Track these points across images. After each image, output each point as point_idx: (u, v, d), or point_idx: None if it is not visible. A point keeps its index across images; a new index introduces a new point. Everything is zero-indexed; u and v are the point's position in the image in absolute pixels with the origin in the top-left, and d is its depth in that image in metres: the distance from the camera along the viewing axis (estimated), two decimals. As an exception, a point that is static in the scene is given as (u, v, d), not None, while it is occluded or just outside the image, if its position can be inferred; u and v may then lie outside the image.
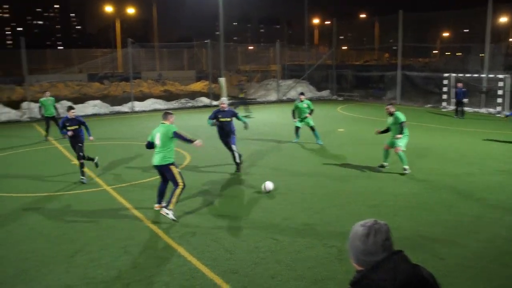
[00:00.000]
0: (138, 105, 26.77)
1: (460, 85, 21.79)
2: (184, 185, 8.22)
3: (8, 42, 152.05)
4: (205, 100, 29.27)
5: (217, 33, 35.58)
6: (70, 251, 6.97)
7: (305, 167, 12.17)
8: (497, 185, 10.23)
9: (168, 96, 31.99)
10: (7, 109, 23.33)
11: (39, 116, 23.22)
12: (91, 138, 11.60)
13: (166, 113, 8.68)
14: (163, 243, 7.24)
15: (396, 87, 28.93)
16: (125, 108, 26.39)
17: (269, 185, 9.68)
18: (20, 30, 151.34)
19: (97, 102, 26.48)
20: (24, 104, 24.11)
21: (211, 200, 9.53)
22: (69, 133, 11.13)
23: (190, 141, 8.40)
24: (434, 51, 48.70)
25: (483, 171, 11.51)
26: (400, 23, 27.79)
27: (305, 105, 15.33)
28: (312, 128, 15.30)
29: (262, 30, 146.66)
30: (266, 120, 21.85)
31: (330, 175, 11.32)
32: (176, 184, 8.16)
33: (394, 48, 34.47)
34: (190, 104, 28.64)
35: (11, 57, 41.91)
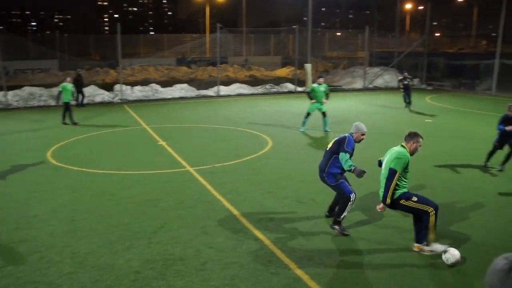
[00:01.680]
0: (224, 90, 27.23)
1: None
2: (435, 210, 6.17)
3: (106, 28, 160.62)
4: (290, 86, 29.20)
5: (305, 18, 35.23)
6: (152, 228, 7.23)
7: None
8: None
9: (253, 81, 32.28)
10: (102, 91, 24.66)
11: (130, 98, 24.41)
12: None
13: (414, 135, 6.32)
14: (240, 225, 7.30)
15: (491, 77, 27.14)
16: (210, 92, 26.93)
17: (453, 254, 5.92)
18: (117, 16, 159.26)
19: (184, 85, 27.27)
20: (117, 87, 25.36)
21: (289, 186, 9.48)
22: None
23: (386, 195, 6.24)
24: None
25: None
26: (504, 6, 25.81)
27: (322, 89, 15.09)
28: (324, 114, 15.17)
29: (351, 16, 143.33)
30: (351, 108, 21.39)
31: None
32: (426, 214, 6.15)
33: (493, 34, 32.34)
34: (274, 90, 28.69)
35: (107, 42, 44.30)
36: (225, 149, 12.78)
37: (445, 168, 10.83)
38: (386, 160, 6.35)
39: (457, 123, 17.01)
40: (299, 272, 5.79)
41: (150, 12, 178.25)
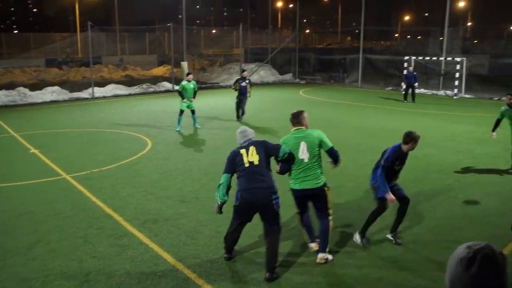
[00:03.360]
0: (98, 91, 26.20)
1: (411, 69, 22.10)
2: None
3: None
4: (167, 85, 28.91)
5: (180, 16, 35.07)
6: (28, 243, 6.81)
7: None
8: (453, 165, 10.57)
9: (129, 81, 31.46)
10: (-40, 97, 22.45)
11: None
12: None
13: (299, 113, 6.12)
14: (124, 230, 7.17)
15: (357, 71, 29.33)
16: (85, 94, 25.78)
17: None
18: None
19: (56, 88, 25.74)
20: (-21, 91, 23.26)
21: (171, 185, 9.47)
22: None
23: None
24: (395, 35, 49.57)
25: (440, 152, 11.81)
26: (363, 6, 28.05)
27: (191, 86, 15.27)
28: (193, 112, 15.42)
29: (225, 13, 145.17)
30: (228, 104, 21.75)
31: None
32: (327, 215, 6.04)
33: (357, 31, 34.82)
34: (152, 89, 28.22)
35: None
36: (103, 153, 12.38)
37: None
38: (307, 144, 5.93)
39: (329, 114, 18.09)
40: (187, 272, 5.85)
41: (12, 9, 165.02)
